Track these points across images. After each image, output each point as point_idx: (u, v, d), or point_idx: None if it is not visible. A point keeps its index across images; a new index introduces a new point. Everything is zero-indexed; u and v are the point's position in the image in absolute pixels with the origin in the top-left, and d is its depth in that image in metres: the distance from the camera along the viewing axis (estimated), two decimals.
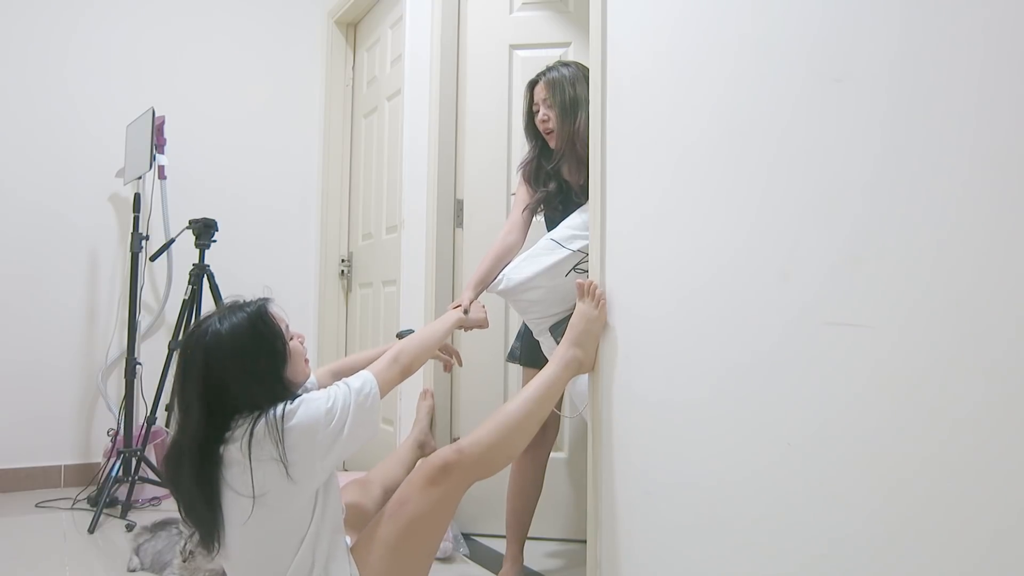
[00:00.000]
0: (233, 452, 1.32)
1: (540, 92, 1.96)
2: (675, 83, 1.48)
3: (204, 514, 1.35)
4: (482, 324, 1.98)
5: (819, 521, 1.14)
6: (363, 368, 1.85)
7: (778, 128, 1.24)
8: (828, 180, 1.15)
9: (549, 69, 1.97)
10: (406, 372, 1.60)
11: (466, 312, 1.91)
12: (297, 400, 1.36)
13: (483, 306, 1.98)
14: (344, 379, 1.46)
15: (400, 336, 2.04)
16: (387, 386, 1.52)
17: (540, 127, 1.98)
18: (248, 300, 1.44)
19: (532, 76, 2.01)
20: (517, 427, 1.57)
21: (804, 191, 1.19)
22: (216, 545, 1.37)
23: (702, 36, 1.42)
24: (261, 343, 1.39)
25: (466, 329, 1.98)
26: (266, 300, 1.45)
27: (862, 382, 1.09)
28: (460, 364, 2.04)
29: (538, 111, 1.97)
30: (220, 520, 1.35)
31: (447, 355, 1.98)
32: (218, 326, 1.37)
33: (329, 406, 1.37)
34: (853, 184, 1.11)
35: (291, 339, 1.46)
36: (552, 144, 1.97)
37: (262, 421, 1.32)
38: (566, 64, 1.98)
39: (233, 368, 1.35)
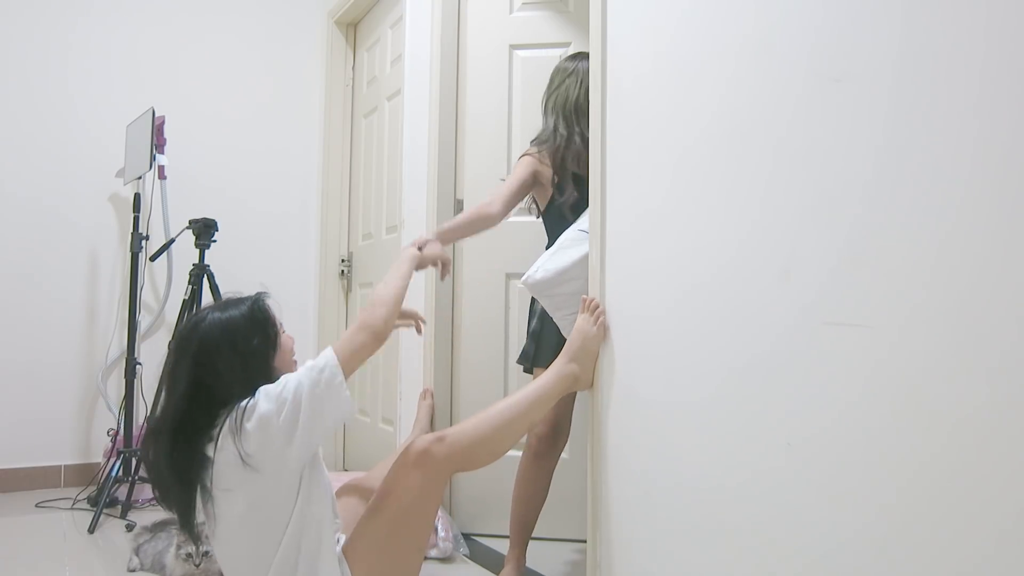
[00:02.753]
0: (211, 450, 1.35)
1: None
2: (675, 83, 1.48)
3: (178, 498, 1.37)
4: (439, 257, 1.84)
5: (820, 522, 1.14)
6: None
7: (778, 128, 1.24)
8: (828, 180, 1.15)
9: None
10: (381, 335, 1.48)
11: (420, 249, 1.80)
12: (258, 392, 1.37)
13: (439, 244, 1.85)
14: (308, 361, 1.43)
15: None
16: (357, 355, 1.43)
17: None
18: (245, 296, 1.48)
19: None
20: (504, 427, 1.57)
21: (804, 191, 1.19)
22: (196, 530, 1.40)
23: (702, 36, 1.42)
24: (254, 324, 1.43)
25: (421, 267, 1.81)
26: (263, 294, 1.50)
27: (863, 383, 1.09)
28: (424, 324, 1.93)
29: None
30: (195, 503, 1.37)
31: (410, 319, 1.87)
32: (215, 312, 1.43)
33: (279, 391, 1.35)
34: (853, 184, 1.11)
35: (283, 332, 1.50)
36: None
37: (229, 418, 1.34)
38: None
39: (224, 345, 1.39)
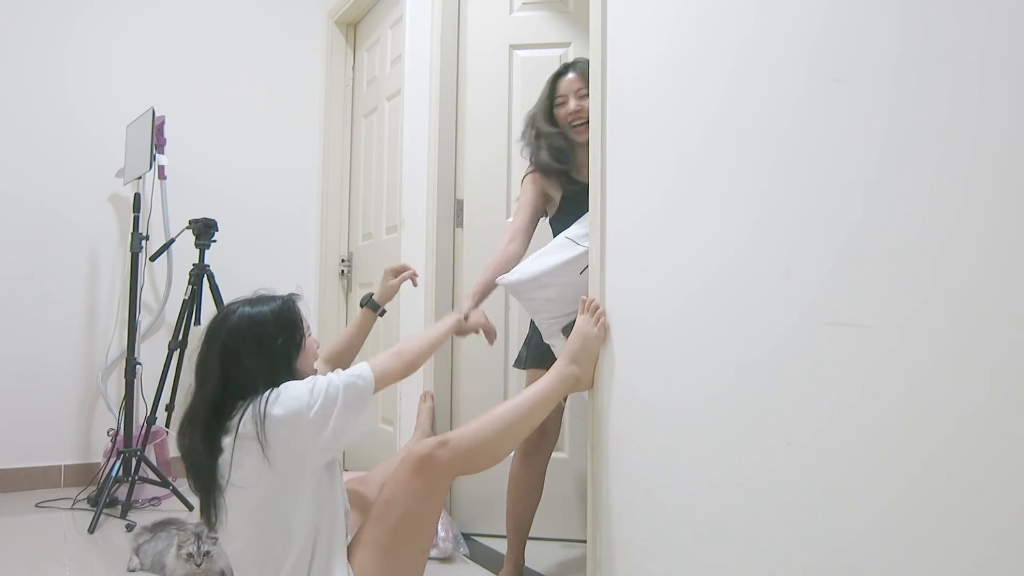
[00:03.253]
0: (227, 441, 1.37)
1: (574, 83, 1.92)
2: (676, 83, 1.48)
3: (204, 481, 1.40)
4: (480, 327, 1.90)
5: (822, 523, 1.14)
6: (344, 347, 1.92)
7: (779, 128, 1.24)
8: (829, 180, 1.15)
9: (578, 62, 1.94)
10: (409, 368, 1.58)
11: (465, 318, 1.87)
12: (282, 386, 1.39)
13: (483, 312, 1.94)
14: (338, 369, 1.48)
15: (362, 303, 2.01)
16: (387, 377, 1.51)
17: (570, 118, 1.93)
18: (278, 294, 1.52)
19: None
20: (506, 430, 1.56)
21: (805, 191, 1.19)
22: (214, 518, 1.42)
23: (702, 36, 1.42)
24: (281, 324, 1.46)
25: (462, 334, 1.90)
26: (295, 295, 1.54)
27: (864, 383, 1.09)
28: (415, 282, 2.04)
29: (565, 103, 1.93)
30: (217, 490, 1.39)
31: (403, 274, 1.99)
32: (246, 307, 1.46)
33: (311, 387, 1.39)
34: (854, 184, 1.11)
35: (309, 335, 1.53)
36: (582, 137, 1.89)
37: (251, 408, 1.35)
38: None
39: (249, 340, 1.42)
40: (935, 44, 1.01)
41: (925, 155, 1.02)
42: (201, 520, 1.48)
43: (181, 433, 1.44)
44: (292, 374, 1.45)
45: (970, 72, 0.97)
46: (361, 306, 2.03)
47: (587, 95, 1.79)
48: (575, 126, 1.93)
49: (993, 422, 0.93)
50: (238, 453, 1.35)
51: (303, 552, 1.37)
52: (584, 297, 1.69)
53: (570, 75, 1.93)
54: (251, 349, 1.41)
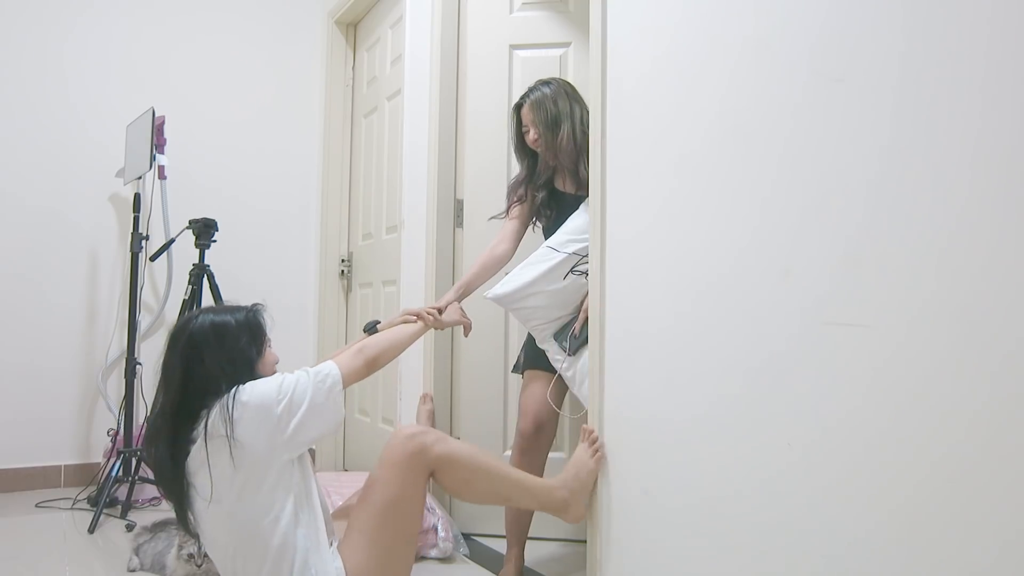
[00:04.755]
0: (197, 446, 1.37)
1: (527, 115, 2.04)
2: (677, 84, 1.48)
3: (175, 492, 1.41)
4: (456, 324, 1.98)
5: (825, 524, 1.14)
6: None
7: (781, 129, 1.24)
8: (831, 181, 1.15)
9: (531, 90, 2.05)
10: (372, 365, 1.59)
11: (440, 312, 1.92)
12: (248, 383, 1.41)
13: (460, 308, 2.00)
14: (306, 367, 1.49)
15: (366, 329, 2.02)
16: (352, 375, 1.53)
17: (533, 146, 2.06)
18: (243, 304, 1.54)
19: (523, 89, 2.09)
20: (487, 476, 1.56)
21: (807, 192, 1.19)
22: (192, 525, 1.43)
23: (703, 37, 1.42)
24: (244, 327, 1.48)
25: (439, 328, 1.98)
26: (259, 305, 1.55)
27: (867, 384, 1.09)
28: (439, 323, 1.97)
29: (528, 132, 2.05)
30: (187, 494, 1.40)
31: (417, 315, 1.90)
32: (209, 314, 1.48)
33: (280, 381, 1.41)
34: (856, 184, 1.11)
35: (270, 347, 1.55)
36: (553, 160, 2.05)
37: (217, 408, 1.36)
38: (546, 82, 2.05)
39: (213, 340, 1.43)
40: (937, 44, 1.01)
41: (927, 155, 1.02)
42: (180, 528, 1.48)
43: (147, 443, 1.45)
44: (253, 378, 1.46)
45: (972, 72, 0.97)
46: (364, 331, 2.01)
47: (537, 123, 2.00)
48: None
49: (996, 422, 0.93)
50: (211, 456, 1.35)
51: (284, 547, 1.37)
52: (585, 426, 1.69)
53: (524, 106, 2.05)
54: (214, 348, 1.42)
